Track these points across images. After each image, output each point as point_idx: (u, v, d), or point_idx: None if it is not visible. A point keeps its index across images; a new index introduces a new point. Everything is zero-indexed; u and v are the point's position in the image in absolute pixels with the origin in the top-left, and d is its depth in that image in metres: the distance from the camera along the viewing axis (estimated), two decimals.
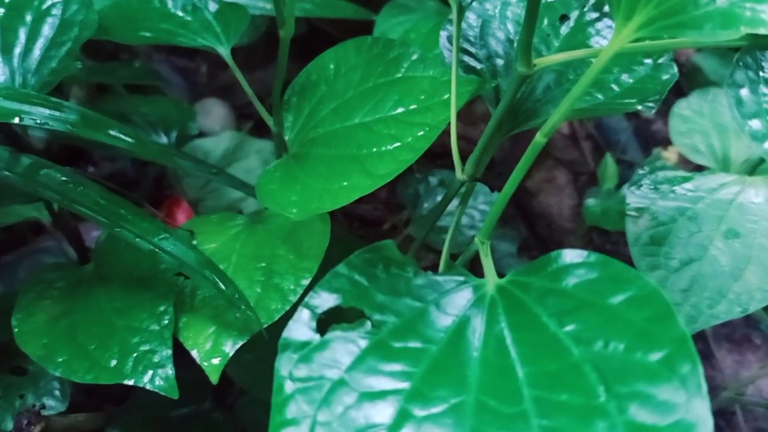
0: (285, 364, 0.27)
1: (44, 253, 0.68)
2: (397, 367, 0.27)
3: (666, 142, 0.97)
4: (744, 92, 0.25)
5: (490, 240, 0.37)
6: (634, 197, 0.55)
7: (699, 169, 0.82)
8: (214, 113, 0.92)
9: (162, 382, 0.43)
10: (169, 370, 0.44)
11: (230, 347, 0.45)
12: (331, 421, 0.26)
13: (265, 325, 0.45)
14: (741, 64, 0.26)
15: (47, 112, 0.40)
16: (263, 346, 0.50)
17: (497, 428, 0.24)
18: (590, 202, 0.75)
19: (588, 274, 0.27)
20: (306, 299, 0.28)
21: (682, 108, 0.74)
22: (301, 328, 0.28)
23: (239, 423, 0.58)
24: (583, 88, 0.31)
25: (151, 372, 0.43)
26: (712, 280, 0.51)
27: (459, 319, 0.28)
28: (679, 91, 0.85)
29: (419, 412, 0.25)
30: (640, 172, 0.57)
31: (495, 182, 0.75)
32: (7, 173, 0.42)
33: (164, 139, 0.78)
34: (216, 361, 0.45)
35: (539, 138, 0.33)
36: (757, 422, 0.77)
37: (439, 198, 0.74)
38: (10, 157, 0.43)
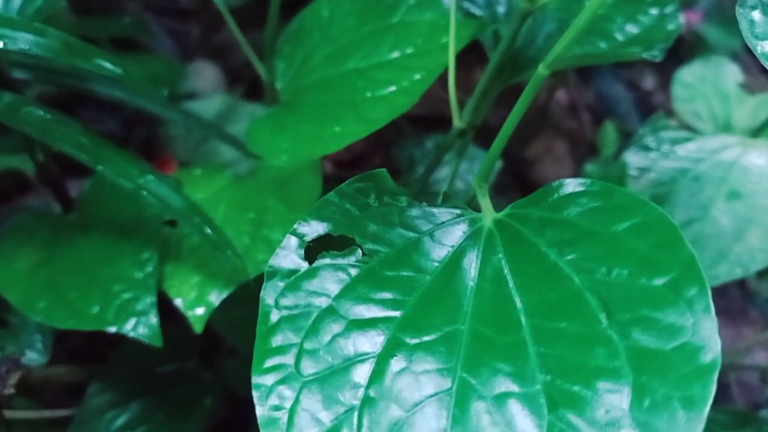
0: (271, 293, 0.26)
1: (28, 210, 0.67)
2: (388, 295, 0.25)
3: (667, 113, 0.96)
4: (756, 14, 0.24)
5: (488, 183, 0.36)
6: (635, 157, 0.54)
7: None
8: (205, 75, 0.90)
9: (145, 330, 0.42)
10: (153, 318, 0.42)
11: (216, 297, 0.43)
12: (318, 350, 0.25)
13: (253, 276, 0.43)
14: None
15: (31, 37, 0.38)
16: (251, 303, 0.49)
17: (493, 356, 0.23)
18: (589, 168, 0.74)
19: (590, 202, 0.26)
20: (294, 227, 0.27)
21: (685, 75, 0.72)
22: (288, 256, 0.26)
23: (227, 383, 0.57)
24: (587, 16, 0.30)
25: (134, 320, 0.42)
26: (713, 241, 0.50)
27: (454, 250, 0.27)
28: (682, 61, 0.84)
29: (411, 341, 0.24)
30: (642, 132, 0.55)
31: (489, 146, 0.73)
32: None
33: None
34: (200, 311, 0.43)
35: (542, 70, 0.31)
36: (752, 395, 0.76)
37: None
38: None
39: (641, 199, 0.25)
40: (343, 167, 0.87)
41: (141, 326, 0.42)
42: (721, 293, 0.83)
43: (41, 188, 0.67)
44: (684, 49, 0.94)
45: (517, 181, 0.88)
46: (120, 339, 0.55)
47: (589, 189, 0.26)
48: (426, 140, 0.74)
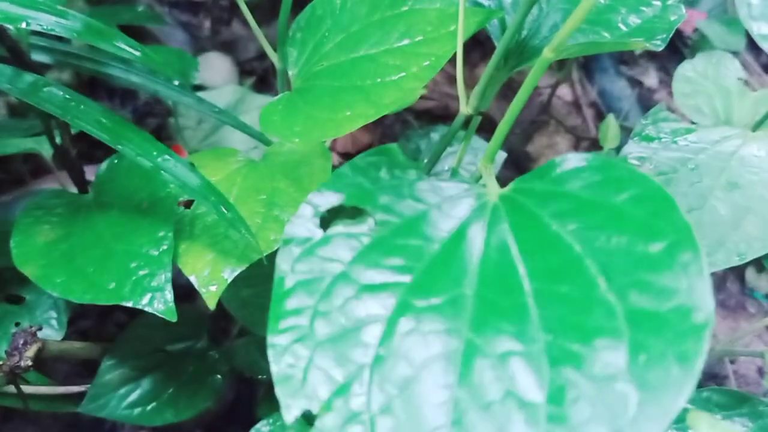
0: (286, 258, 0.27)
1: (43, 192, 0.68)
2: (398, 261, 0.27)
3: (669, 110, 0.97)
4: None
5: (493, 162, 0.37)
6: (636, 147, 0.55)
7: None
8: (216, 67, 0.92)
9: (160, 305, 0.43)
10: (168, 294, 0.44)
11: (228, 274, 0.45)
12: (331, 312, 0.26)
13: (264, 254, 0.45)
14: None
15: (53, 18, 0.39)
16: (262, 282, 0.50)
17: (497, 318, 0.24)
18: None
19: (591, 176, 0.27)
20: (308, 197, 0.28)
21: (687, 70, 0.73)
22: (303, 224, 0.28)
23: (235, 362, 0.58)
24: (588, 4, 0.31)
25: (149, 295, 0.43)
26: (711, 229, 0.52)
27: (461, 221, 0.28)
28: (685, 59, 0.85)
29: (420, 303, 0.25)
30: (643, 122, 0.57)
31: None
32: (9, 87, 0.41)
33: None
34: (214, 288, 0.45)
35: (547, 53, 0.32)
36: (749, 387, 0.77)
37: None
38: (13, 74, 0.43)
39: (639, 172, 0.26)
40: (350, 157, 0.88)
41: (156, 301, 0.43)
42: (719, 288, 0.85)
43: (57, 172, 0.69)
44: (687, 48, 0.95)
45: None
46: (131, 321, 0.57)
47: (590, 164, 0.28)
48: (431, 132, 0.76)
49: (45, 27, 0.39)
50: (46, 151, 0.58)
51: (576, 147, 0.94)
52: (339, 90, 0.45)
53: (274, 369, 0.26)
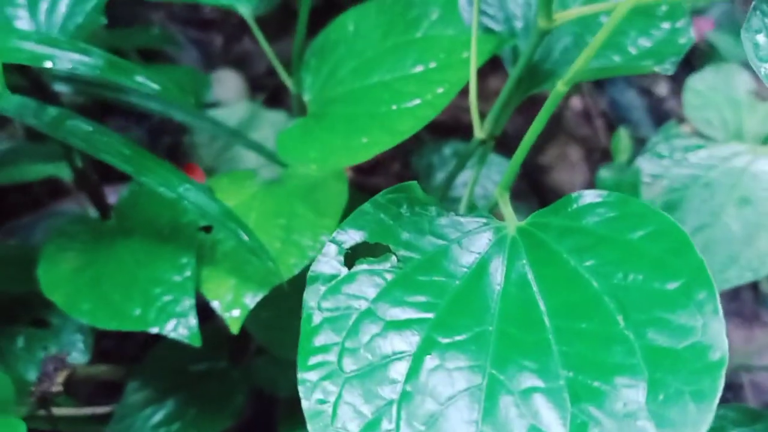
0: (313, 296, 0.28)
1: (63, 215, 0.69)
2: (421, 298, 0.28)
3: (679, 120, 0.97)
4: (761, 38, 0.26)
5: (509, 191, 0.38)
6: (648, 165, 0.56)
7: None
8: (228, 84, 0.93)
9: (185, 331, 0.44)
10: (192, 320, 0.45)
11: (251, 299, 0.46)
12: (358, 348, 0.27)
13: (285, 279, 0.46)
14: (758, 11, 0.26)
15: (77, 57, 0.40)
16: (281, 304, 0.51)
17: (520, 354, 0.25)
18: (603, 173, 0.76)
19: (607, 212, 0.28)
20: (333, 235, 0.29)
21: (696, 83, 0.74)
22: (328, 262, 0.29)
23: (255, 381, 0.59)
24: (603, 36, 0.32)
25: (174, 321, 0.44)
26: (723, 246, 0.52)
27: (481, 256, 0.29)
28: (693, 69, 0.85)
29: (444, 340, 0.26)
30: (655, 139, 0.57)
31: (508, 152, 0.75)
32: (35, 121, 0.42)
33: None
34: (236, 313, 0.46)
35: (560, 87, 0.33)
36: (764, 396, 0.78)
37: (452, 168, 0.75)
38: (37, 107, 0.44)
39: (654, 209, 0.27)
40: (364, 173, 0.89)
41: (181, 327, 0.44)
42: (733, 296, 0.85)
43: (76, 193, 0.70)
44: (696, 57, 0.96)
45: (532, 188, 0.91)
46: (152, 340, 0.58)
47: (606, 200, 0.28)
48: (444, 147, 0.76)
49: (70, 67, 0.40)
50: (66, 175, 0.60)
51: (587, 158, 0.95)
52: (354, 116, 0.46)
53: (305, 405, 0.26)
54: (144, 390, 0.54)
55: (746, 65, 0.90)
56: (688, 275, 0.24)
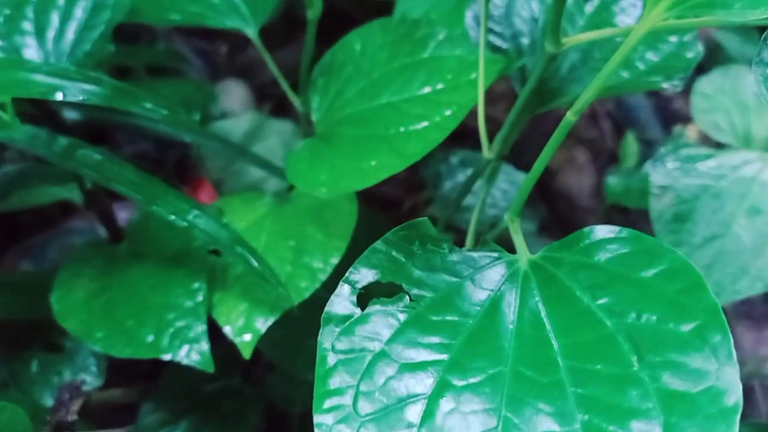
0: (327, 337, 0.28)
1: (74, 233, 0.70)
2: (435, 339, 0.28)
3: (686, 120, 0.97)
4: None
5: (520, 218, 0.38)
6: (657, 175, 0.56)
7: (719, 146, 0.82)
8: (234, 94, 0.93)
9: (198, 357, 0.45)
10: (205, 345, 0.45)
11: (262, 324, 0.46)
12: (374, 391, 0.27)
13: (296, 303, 0.46)
14: None
15: (87, 86, 0.41)
16: (292, 323, 0.51)
17: (534, 396, 0.25)
18: (611, 180, 0.76)
19: (620, 248, 0.28)
20: (346, 275, 0.29)
21: (704, 85, 0.74)
22: (342, 303, 0.29)
23: (268, 397, 0.60)
24: (612, 67, 0.32)
25: (187, 347, 0.45)
26: (734, 257, 0.52)
27: (494, 293, 0.29)
28: (700, 68, 0.85)
29: (458, 382, 0.26)
30: (663, 150, 0.57)
31: (515, 161, 0.75)
32: (46, 152, 0.43)
33: None
34: (248, 337, 0.46)
35: (570, 116, 0.33)
36: None
37: (460, 177, 0.75)
38: (48, 138, 0.44)
39: (666, 246, 0.27)
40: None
41: (194, 353, 0.45)
42: (744, 298, 0.85)
43: (85, 211, 0.70)
44: (703, 57, 0.95)
45: (539, 192, 0.90)
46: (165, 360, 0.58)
47: (618, 236, 0.28)
48: (451, 156, 0.76)
49: (80, 97, 0.41)
50: (77, 198, 0.60)
51: (595, 160, 0.94)
52: (363, 139, 0.46)
53: None
54: (158, 411, 0.54)
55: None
56: (703, 317, 0.24)
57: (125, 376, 0.66)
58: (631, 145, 0.78)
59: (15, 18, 0.49)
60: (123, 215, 0.71)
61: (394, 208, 0.93)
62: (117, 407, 0.57)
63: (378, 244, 0.30)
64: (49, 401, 0.52)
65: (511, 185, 0.74)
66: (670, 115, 0.96)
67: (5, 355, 0.54)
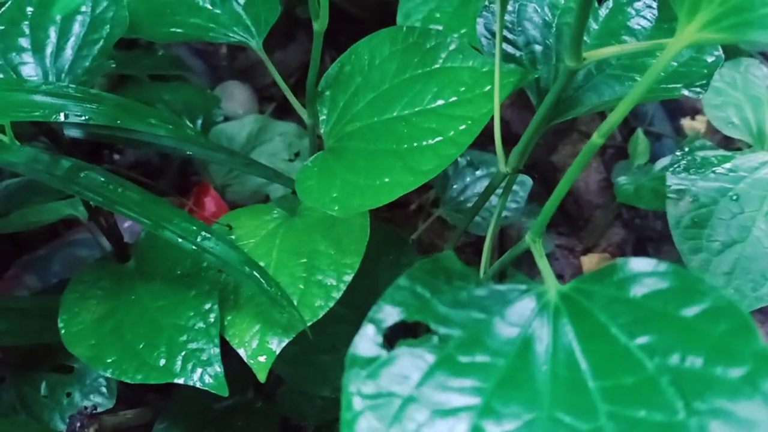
0: (353, 381, 0.27)
1: (78, 245, 0.69)
2: (467, 382, 0.27)
3: (693, 112, 0.96)
4: None
5: (541, 237, 0.37)
6: (674, 179, 0.54)
7: (727, 140, 0.81)
8: (236, 96, 0.91)
9: (211, 380, 0.43)
10: (218, 368, 0.44)
11: (276, 345, 0.45)
12: None
13: (310, 323, 0.45)
14: None
15: (89, 105, 0.39)
16: (304, 340, 0.50)
17: None
18: (622, 180, 0.74)
19: (658, 283, 0.27)
20: (370, 314, 0.28)
21: (715, 80, 0.72)
22: (367, 344, 0.28)
23: (280, 412, 0.59)
24: (641, 91, 0.30)
25: (200, 370, 0.44)
26: (755, 263, 0.51)
27: (524, 330, 0.28)
28: None
29: (493, 429, 0.25)
30: (679, 154, 0.56)
31: (526, 169, 0.74)
32: (48, 176, 0.41)
33: None
34: (263, 359, 0.45)
35: (596, 139, 0.32)
36: None
37: (468, 179, 0.74)
38: (50, 160, 0.43)
39: (708, 283, 0.26)
40: None
41: (207, 376, 0.44)
42: None
43: (88, 223, 0.69)
44: None
45: (546, 189, 0.89)
46: None
47: (655, 270, 0.27)
48: (459, 157, 0.75)
49: (83, 117, 0.39)
50: (82, 214, 0.59)
51: (601, 155, 0.93)
52: (374, 154, 0.45)
53: None
54: (172, 431, 0.53)
55: (765, 57, 0.87)
56: (753, 362, 0.23)
57: (137, 390, 0.65)
58: (641, 143, 0.77)
59: (11, 34, 0.48)
60: (128, 224, 0.70)
61: (400, 208, 0.92)
62: (130, 429, 0.56)
63: (402, 280, 0.29)
64: (59, 424, 0.51)
65: (519, 186, 0.73)
66: (677, 107, 0.94)
67: (13, 378, 0.53)
